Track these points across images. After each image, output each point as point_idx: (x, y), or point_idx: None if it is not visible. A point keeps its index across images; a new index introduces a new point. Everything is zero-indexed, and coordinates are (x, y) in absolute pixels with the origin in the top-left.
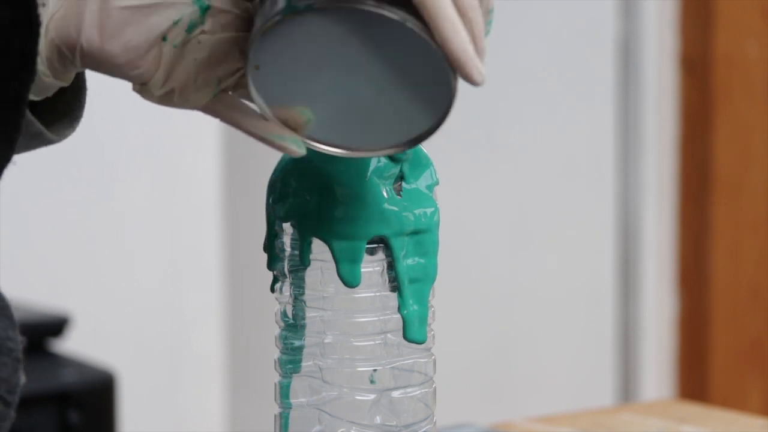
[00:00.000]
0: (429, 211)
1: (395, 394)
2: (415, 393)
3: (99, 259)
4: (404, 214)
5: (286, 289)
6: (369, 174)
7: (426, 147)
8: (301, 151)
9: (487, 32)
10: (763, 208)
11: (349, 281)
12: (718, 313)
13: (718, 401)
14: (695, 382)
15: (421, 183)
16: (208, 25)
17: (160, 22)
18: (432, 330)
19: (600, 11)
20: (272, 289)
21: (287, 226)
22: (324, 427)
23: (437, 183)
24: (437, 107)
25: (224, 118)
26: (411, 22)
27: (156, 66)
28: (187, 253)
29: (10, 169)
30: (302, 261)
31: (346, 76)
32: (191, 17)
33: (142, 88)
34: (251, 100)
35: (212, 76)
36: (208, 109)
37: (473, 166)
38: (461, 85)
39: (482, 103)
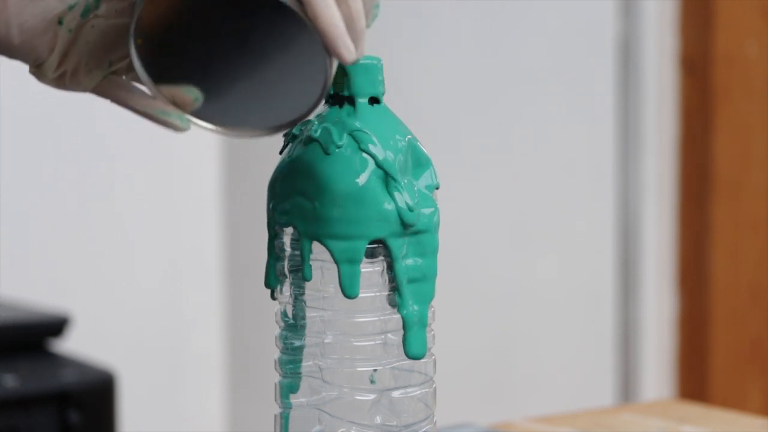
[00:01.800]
0: (428, 211)
1: (395, 394)
2: (415, 393)
3: (99, 259)
4: (404, 214)
5: (286, 289)
6: (368, 174)
7: (426, 146)
8: (184, 127)
9: (374, 16)
10: (763, 208)
11: (349, 290)
12: (718, 313)
13: (718, 401)
14: (695, 382)
15: (421, 183)
16: (102, 10)
17: (56, 5)
18: (432, 330)
19: (600, 11)
20: (273, 297)
21: (287, 228)
22: (324, 427)
23: (438, 186)
24: (315, 85)
25: (113, 98)
26: None
27: (51, 48)
28: (187, 253)
29: (10, 170)
30: (304, 274)
31: (227, 56)
32: (87, 2)
33: (38, 70)
34: (140, 83)
35: (104, 60)
36: (98, 91)
37: (473, 166)
38: (461, 84)
39: (482, 103)
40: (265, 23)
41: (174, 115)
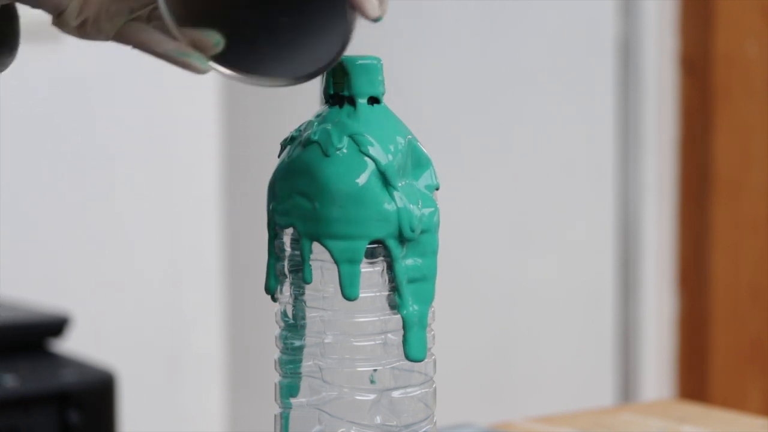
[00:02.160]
0: (428, 211)
1: (395, 394)
2: (415, 393)
3: (99, 259)
4: (404, 214)
5: (286, 289)
6: (368, 175)
7: (426, 146)
8: (203, 68)
9: None
10: (763, 208)
11: (349, 289)
12: (718, 313)
13: (718, 401)
14: (695, 382)
15: (421, 183)
16: None
17: None
18: (432, 330)
19: (600, 11)
20: (273, 299)
21: (287, 229)
22: (324, 427)
23: (438, 187)
24: (336, 39)
25: (134, 43)
26: None
27: None
28: (187, 253)
29: (10, 169)
30: (305, 277)
31: (251, 5)
32: None
33: (59, 20)
34: (164, 30)
35: (125, 6)
36: (119, 37)
37: (473, 166)
38: (461, 84)
39: (482, 102)
40: None
41: (194, 56)
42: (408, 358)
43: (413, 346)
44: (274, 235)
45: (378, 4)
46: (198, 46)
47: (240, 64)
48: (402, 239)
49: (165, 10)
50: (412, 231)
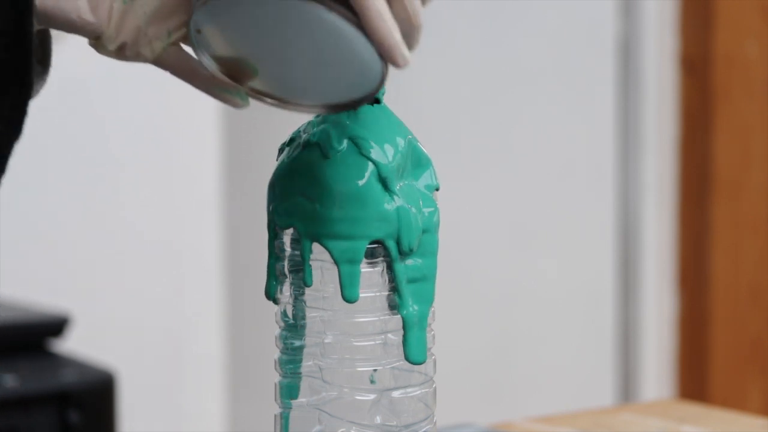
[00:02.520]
0: (428, 211)
1: (395, 394)
2: (415, 393)
3: (99, 259)
4: (404, 214)
5: (286, 289)
6: (368, 175)
7: (426, 147)
8: (244, 104)
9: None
10: (763, 208)
11: (349, 289)
12: (718, 313)
13: (718, 401)
14: (695, 382)
15: (421, 183)
16: None
17: None
18: (432, 330)
19: (600, 11)
20: (275, 302)
21: (288, 229)
22: (324, 427)
23: (438, 187)
24: (371, 74)
25: (174, 71)
26: (337, 9)
27: (108, 20)
28: (187, 253)
29: (11, 170)
30: (305, 280)
31: (286, 39)
32: None
33: (97, 43)
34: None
35: (162, 30)
36: (160, 63)
37: (473, 166)
38: (461, 83)
39: (482, 103)
40: (322, 21)
41: (234, 92)
42: (408, 360)
43: (413, 348)
44: (274, 235)
45: (408, 54)
46: (235, 76)
47: (275, 90)
48: (401, 251)
49: (199, 53)
50: (410, 247)
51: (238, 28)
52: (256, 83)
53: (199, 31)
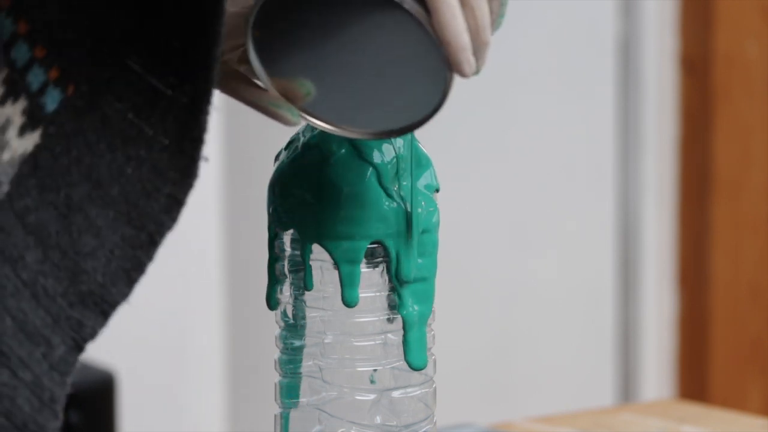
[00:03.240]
0: (428, 211)
1: (395, 394)
2: (415, 393)
3: None
4: (404, 214)
5: (286, 289)
6: (368, 175)
7: (426, 147)
8: (294, 120)
9: (498, 24)
10: (763, 208)
11: (348, 289)
12: (718, 313)
13: (718, 401)
14: (695, 382)
15: (421, 183)
16: None
17: None
18: (432, 330)
19: (600, 11)
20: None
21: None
22: (324, 427)
23: (438, 189)
24: (432, 97)
25: (222, 88)
26: (409, 5)
27: None
28: (187, 253)
29: None
30: (306, 284)
31: (345, 55)
32: None
33: None
34: (253, 74)
35: None
36: None
37: (473, 166)
38: (461, 82)
39: (482, 102)
40: (385, 24)
41: (285, 107)
42: (409, 365)
43: (414, 350)
44: (274, 236)
45: (474, 62)
46: (288, 96)
47: (328, 112)
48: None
49: (256, 62)
50: (409, 273)
51: (294, 32)
52: (309, 105)
53: (257, 34)
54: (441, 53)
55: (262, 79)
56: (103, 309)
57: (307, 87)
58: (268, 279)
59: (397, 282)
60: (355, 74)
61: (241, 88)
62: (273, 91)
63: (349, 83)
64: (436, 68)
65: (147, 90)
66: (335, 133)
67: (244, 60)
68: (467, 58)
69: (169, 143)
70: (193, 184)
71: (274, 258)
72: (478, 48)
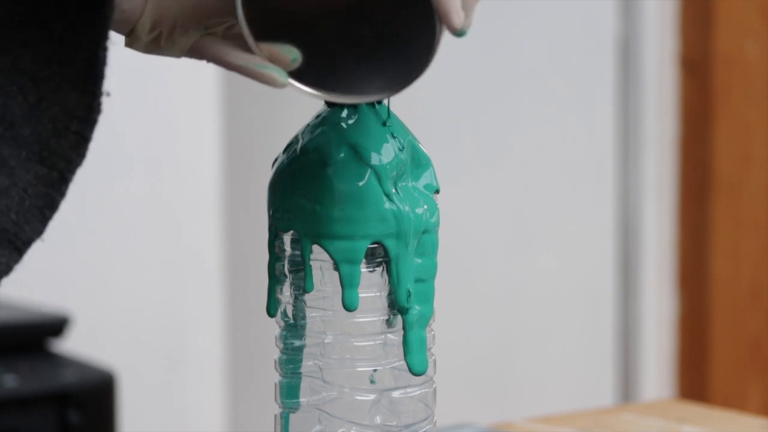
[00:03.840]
0: (428, 211)
1: (395, 394)
2: (415, 393)
3: (99, 259)
4: (403, 214)
5: (286, 289)
6: (368, 176)
7: (426, 147)
8: (282, 81)
9: None
10: (763, 208)
11: (348, 288)
12: (718, 313)
13: (718, 401)
14: (695, 382)
15: (421, 183)
16: None
17: None
18: (432, 330)
19: (600, 11)
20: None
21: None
22: (324, 427)
23: (438, 190)
24: (420, 55)
25: (209, 56)
26: None
27: (142, 9)
28: (187, 253)
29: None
30: (306, 286)
31: (331, 19)
32: None
33: (131, 38)
34: (240, 44)
35: (199, 24)
36: (194, 51)
37: (473, 166)
38: (461, 83)
39: (482, 102)
40: None
41: (273, 68)
42: (410, 367)
43: (414, 352)
44: (274, 236)
45: (464, 16)
46: (275, 62)
47: (317, 80)
48: (403, 235)
49: (243, 23)
50: (408, 299)
51: None
52: (297, 72)
53: (244, 3)
54: (429, 6)
55: (251, 44)
56: (17, 246)
57: (293, 53)
58: (268, 287)
59: (391, 308)
60: (341, 38)
61: (230, 54)
62: (261, 55)
63: (336, 48)
64: (424, 25)
65: (53, 32)
66: (322, 99)
67: (229, 36)
68: (455, 8)
69: (74, 82)
70: (97, 120)
71: (274, 260)
72: (468, 4)
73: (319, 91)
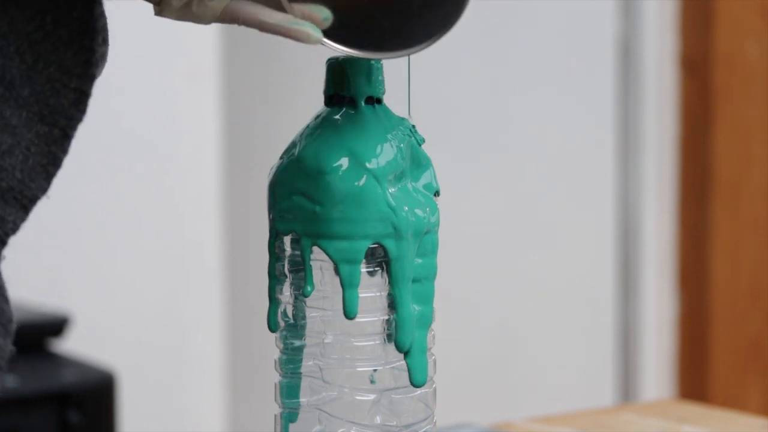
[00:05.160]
0: (428, 211)
1: (395, 394)
2: (415, 393)
3: (99, 259)
4: (403, 215)
5: (286, 289)
6: (368, 177)
7: (426, 147)
8: (316, 36)
9: None
10: (763, 208)
11: (349, 286)
12: (718, 313)
13: (718, 401)
14: (695, 382)
15: (421, 183)
16: None
17: None
18: (432, 330)
19: (600, 11)
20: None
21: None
22: (324, 427)
23: (438, 190)
24: (449, 11)
25: (241, 19)
26: None
27: None
28: (187, 253)
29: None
30: (305, 291)
31: None
32: None
33: (162, 6)
34: (271, 5)
35: None
36: (226, 15)
37: (473, 166)
38: (461, 83)
39: (482, 102)
40: None
41: (306, 24)
42: (412, 383)
43: (416, 370)
44: (274, 236)
45: None
46: (307, 20)
47: (348, 38)
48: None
49: None
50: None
51: None
52: (329, 30)
53: None
54: None
55: (284, 4)
56: (23, 204)
57: (325, 12)
58: (269, 301)
59: (391, 308)
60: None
61: (263, 14)
62: (294, 13)
63: (366, 6)
64: None
65: None
66: (354, 56)
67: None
68: None
69: (70, 40)
70: (96, 75)
71: (274, 261)
72: None
73: (352, 48)
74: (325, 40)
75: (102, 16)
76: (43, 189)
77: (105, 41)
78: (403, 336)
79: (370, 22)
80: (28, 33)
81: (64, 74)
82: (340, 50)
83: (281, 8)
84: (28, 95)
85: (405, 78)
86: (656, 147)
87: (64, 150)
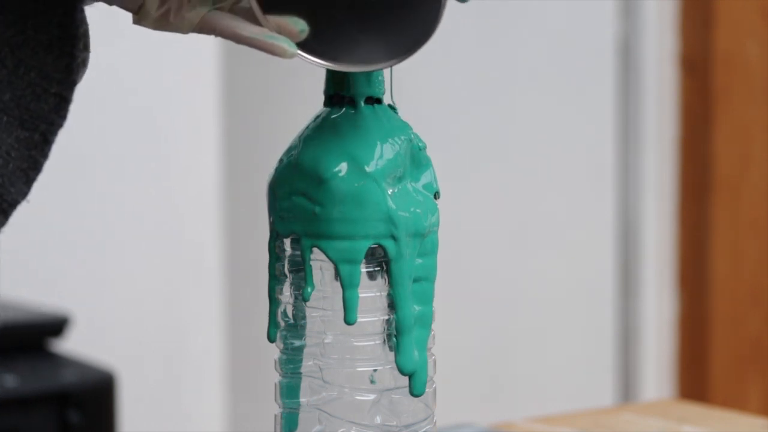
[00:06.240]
0: (428, 211)
1: (395, 394)
2: None
3: (99, 259)
4: (403, 215)
5: (286, 289)
6: (367, 177)
7: (426, 147)
8: (291, 51)
9: None
10: (763, 208)
11: (349, 287)
12: (718, 313)
13: (718, 401)
14: (695, 382)
15: (421, 184)
16: None
17: None
18: (432, 330)
19: (600, 11)
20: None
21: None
22: (324, 427)
23: (438, 191)
24: (426, 23)
25: (218, 30)
26: None
27: None
28: (187, 253)
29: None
30: (305, 295)
31: None
32: None
33: (140, 14)
34: (247, 18)
35: None
36: (202, 26)
37: (473, 166)
38: (461, 83)
39: (482, 102)
40: None
41: (281, 39)
42: (412, 393)
43: (405, 357)
44: (275, 236)
45: None
46: (283, 34)
47: (324, 50)
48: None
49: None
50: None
51: None
52: (304, 43)
53: None
54: None
55: (258, 16)
56: (3, 208)
57: (301, 24)
58: (269, 308)
59: (391, 308)
60: (348, 8)
61: (239, 27)
62: (269, 27)
63: (342, 18)
64: None
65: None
66: (331, 68)
67: (236, 11)
68: None
69: (51, 45)
70: (76, 80)
71: (274, 261)
72: None
73: (327, 61)
74: (301, 53)
75: (83, 22)
76: (23, 193)
77: (86, 47)
78: (404, 358)
79: (346, 35)
80: (9, 38)
81: (45, 79)
82: (317, 63)
83: (258, 21)
84: (8, 100)
85: (405, 78)
86: (656, 147)
87: (44, 155)
